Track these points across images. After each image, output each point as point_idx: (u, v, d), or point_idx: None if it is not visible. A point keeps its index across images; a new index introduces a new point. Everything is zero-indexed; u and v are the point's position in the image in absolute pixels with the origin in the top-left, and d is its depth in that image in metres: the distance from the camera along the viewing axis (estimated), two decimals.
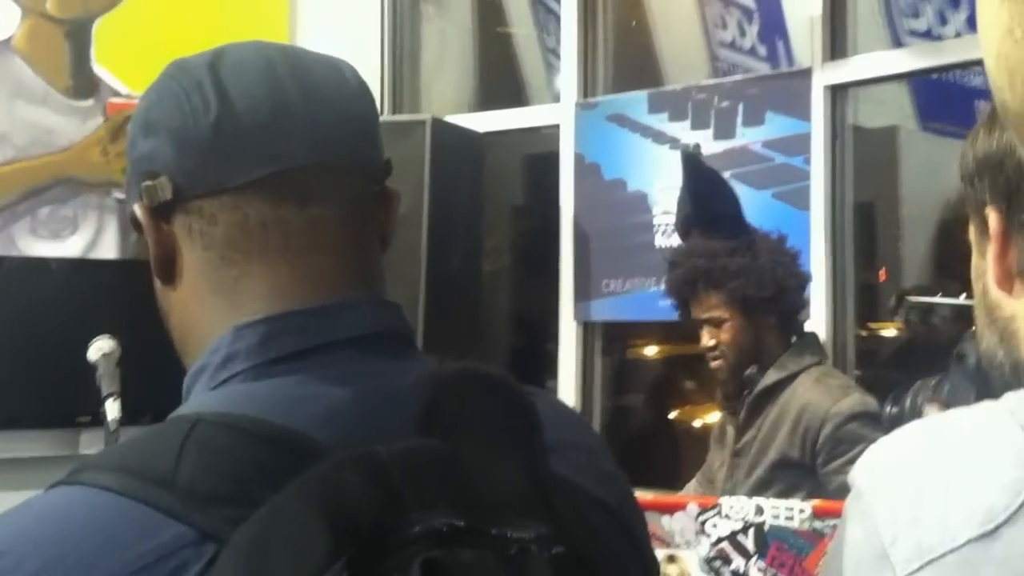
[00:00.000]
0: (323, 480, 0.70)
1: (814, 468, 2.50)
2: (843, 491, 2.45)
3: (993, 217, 0.86)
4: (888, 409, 1.16)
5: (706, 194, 2.75)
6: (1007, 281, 0.86)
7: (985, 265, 0.88)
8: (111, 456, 0.77)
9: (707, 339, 2.65)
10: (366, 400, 0.79)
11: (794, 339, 2.69)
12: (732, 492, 2.52)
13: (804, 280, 2.71)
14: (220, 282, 0.84)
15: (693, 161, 2.79)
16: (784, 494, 2.44)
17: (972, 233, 0.92)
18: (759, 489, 2.51)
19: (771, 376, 2.60)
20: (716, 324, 2.64)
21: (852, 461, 2.25)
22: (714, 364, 2.67)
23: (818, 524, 2.12)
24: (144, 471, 0.73)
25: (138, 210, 0.85)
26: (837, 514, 2.14)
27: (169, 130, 0.83)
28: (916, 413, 1.12)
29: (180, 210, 0.84)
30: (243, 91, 0.83)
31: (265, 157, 0.82)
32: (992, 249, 0.86)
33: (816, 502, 2.17)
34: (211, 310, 0.84)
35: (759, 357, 2.63)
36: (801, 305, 2.70)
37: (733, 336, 2.62)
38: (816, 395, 2.54)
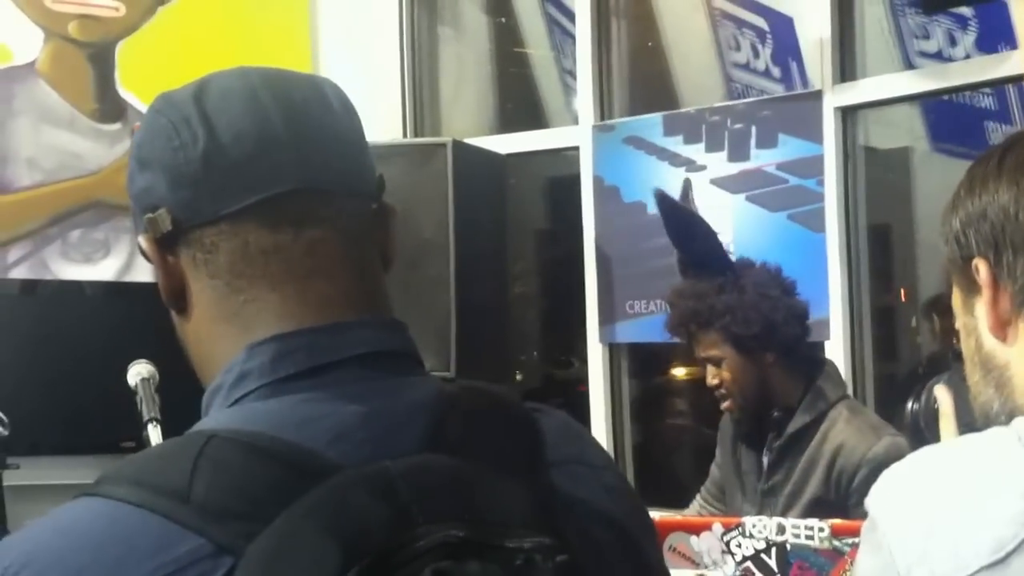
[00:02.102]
0: (333, 497, 0.72)
1: (846, 508, 2.46)
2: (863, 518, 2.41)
3: (982, 267, 0.90)
4: (910, 406, 1.23)
5: (683, 235, 2.76)
6: (1000, 328, 0.89)
7: (974, 322, 0.92)
8: (129, 469, 0.79)
9: (711, 378, 2.63)
10: (374, 418, 0.80)
11: (809, 371, 2.63)
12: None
13: (798, 311, 2.63)
14: (229, 309, 0.85)
15: (665, 203, 2.81)
16: None
17: (956, 295, 0.94)
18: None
19: (799, 420, 2.56)
20: (716, 363, 2.61)
21: None
22: (724, 405, 2.63)
23: (837, 543, 2.14)
24: (160, 484, 0.75)
25: (144, 242, 0.88)
26: (855, 533, 2.16)
27: (161, 165, 0.85)
28: (930, 409, 1.19)
29: (182, 241, 0.86)
30: (228, 122, 0.84)
31: (255, 185, 0.84)
32: (984, 297, 0.90)
33: (835, 521, 2.19)
34: (223, 337, 0.86)
35: (768, 393, 2.59)
36: (800, 337, 2.63)
37: (733, 375, 2.59)
38: (850, 437, 2.50)
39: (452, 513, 0.72)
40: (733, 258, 2.85)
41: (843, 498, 2.48)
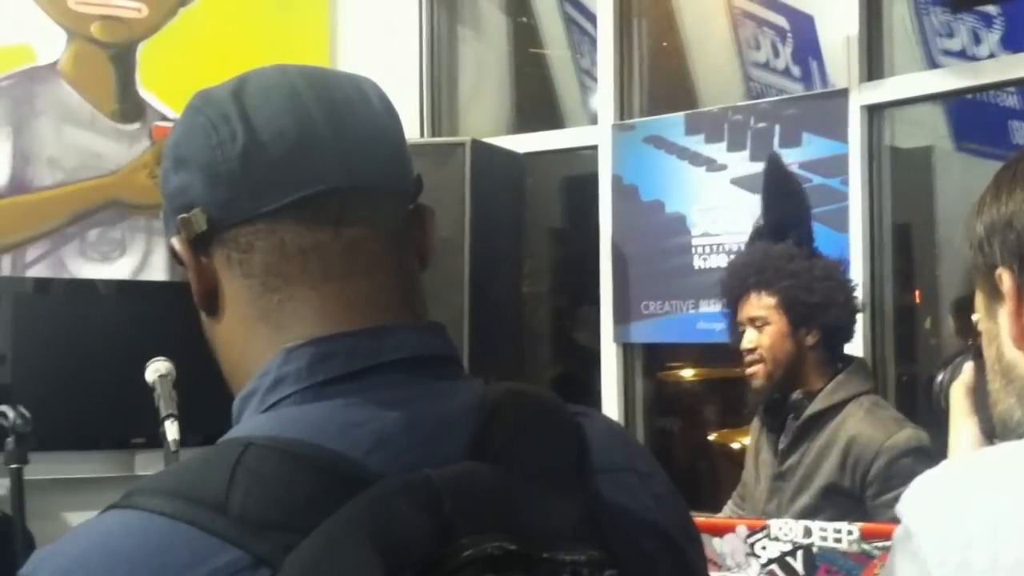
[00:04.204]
0: (374, 507, 0.70)
1: (862, 499, 2.48)
2: (894, 522, 2.40)
3: (1006, 277, 0.88)
4: (939, 378, 1.21)
5: (779, 197, 2.78)
6: (1023, 340, 0.88)
7: (997, 328, 0.90)
8: (164, 480, 0.77)
9: (747, 342, 2.64)
10: (415, 424, 0.79)
11: (839, 365, 2.65)
12: (775, 514, 2.51)
13: (853, 303, 2.67)
14: (263, 309, 0.83)
15: (772, 164, 2.84)
16: (832, 521, 2.38)
17: (980, 301, 0.93)
18: (805, 515, 2.47)
19: (820, 403, 2.58)
20: (759, 327, 2.63)
21: None
22: (751, 370, 2.64)
23: (866, 546, 2.11)
24: (197, 495, 0.73)
25: (176, 243, 0.86)
26: (885, 536, 2.14)
27: (199, 163, 0.84)
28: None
29: (217, 241, 0.84)
30: (268, 119, 0.83)
31: (294, 183, 0.82)
32: (1007, 308, 0.88)
33: (864, 524, 2.17)
34: (257, 337, 0.84)
35: (797, 372, 2.60)
36: (847, 326, 2.66)
37: (773, 341, 2.61)
38: (868, 427, 2.51)
39: (497, 524, 0.71)
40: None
41: (859, 487, 2.48)
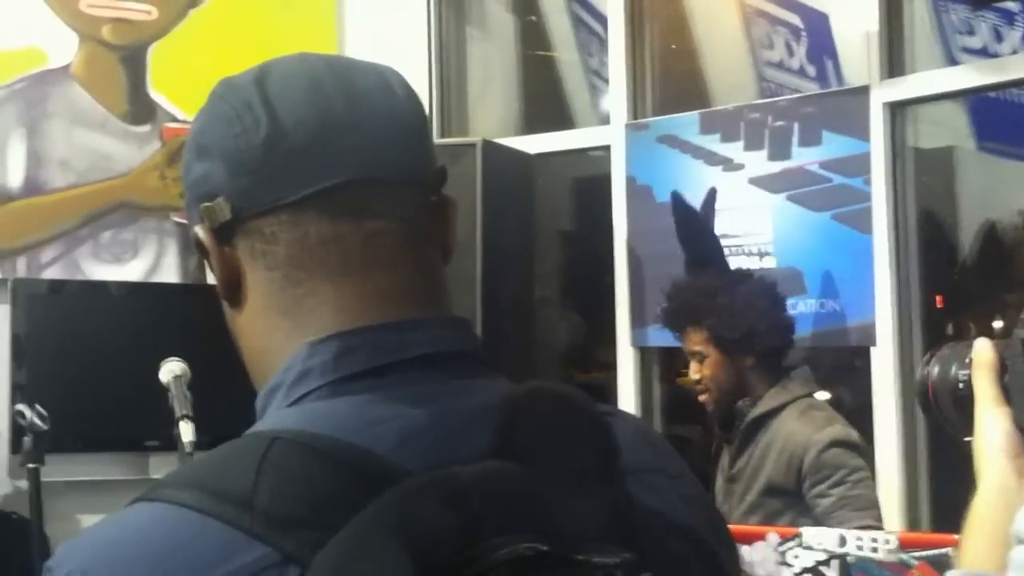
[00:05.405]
0: (402, 505, 0.69)
1: (800, 493, 2.64)
2: (827, 515, 2.43)
3: None
4: (924, 372, 1.06)
5: (688, 235, 3.04)
6: None
7: None
8: (190, 474, 0.77)
9: (693, 372, 2.85)
10: (440, 421, 0.78)
11: (783, 374, 2.83)
12: (728, 516, 2.68)
13: (782, 324, 2.84)
14: (286, 302, 0.83)
15: (677, 201, 3.13)
16: (772, 517, 2.65)
17: None
18: (750, 513, 2.71)
19: (760, 407, 2.77)
20: (699, 359, 2.82)
21: (835, 485, 2.43)
22: (701, 398, 2.85)
23: (903, 556, 2.09)
24: (223, 490, 0.72)
25: (200, 232, 0.85)
26: (924, 545, 2.11)
27: (221, 151, 0.83)
28: (948, 376, 1.03)
29: (241, 231, 0.83)
30: (291, 108, 0.82)
31: (317, 172, 0.81)
32: None
33: (903, 532, 2.14)
34: (279, 330, 0.83)
35: (743, 393, 2.80)
36: (780, 348, 2.85)
37: (713, 372, 2.80)
38: (800, 425, 2.70)
39: (526, 524, 0.69)
40: (746, 265, 3.15)
41: (797, 483, 2.65)
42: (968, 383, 0.98)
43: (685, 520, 0.83)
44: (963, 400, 1.00)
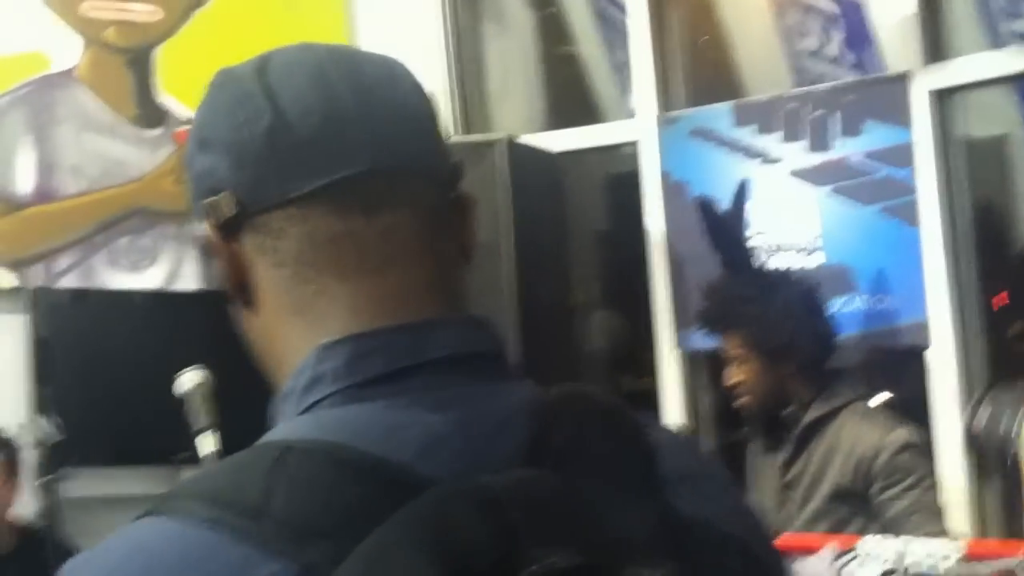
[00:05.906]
0: (428, 515, 0.65)
1: (867, 497, 2.59)
2: (900, 520, 2.34)
3: None
4: (976, 421, 0.99)
5: (718, 241, 2.99)
6: None
7: None
8: (199, 485, 0.73)
9: (732, 376, 2.79)
10: (465, 426, 0.74)
11: (826, 376, 2.78)
12: (788, 524, 2.63)
13: (822, 333, 2.78)
14: (298, 300, 0.79)
15: (704, 208, 3.07)
16: (841, 523, 2.58)
17: None
18: (816, 520, 2.63)
19: (815, 411, 2.71)
20: (739, 363, 2.77)
21: (908, 489, 2.34)
22: (738, 402, 2.80)
23: (968, 568, 2.03)
24: (235, 501, 0.69)
25: (205, 228, 0.82)
26: (993, 555, 2.03)
27: (223, 143, 0.80)
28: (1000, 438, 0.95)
29: (247, 227, 0.80)
30: (294, 97, 0.79)
31: (323, 164, 0.78)
32: None
33: (970, 540, 2.06)
34: (292, 330, 0.79)
35: (784, 398, 2.74)
36: (820, 358, 2.78)
37: (752, 377, 2.75)
38: (866, 428, 2.65)
39: (564, 535, 0.65)
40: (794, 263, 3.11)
41: (865, 485, 2.59)
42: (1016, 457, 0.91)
43: (731, 529, 0.79)
44: (1008, 457, 0.92)
